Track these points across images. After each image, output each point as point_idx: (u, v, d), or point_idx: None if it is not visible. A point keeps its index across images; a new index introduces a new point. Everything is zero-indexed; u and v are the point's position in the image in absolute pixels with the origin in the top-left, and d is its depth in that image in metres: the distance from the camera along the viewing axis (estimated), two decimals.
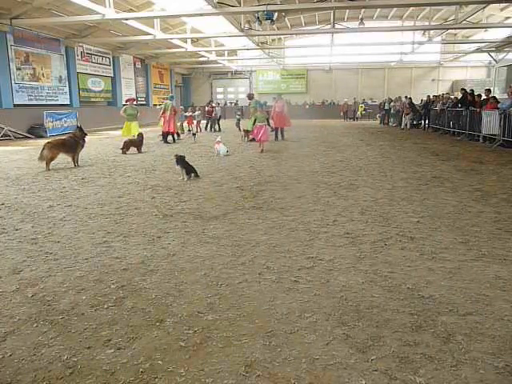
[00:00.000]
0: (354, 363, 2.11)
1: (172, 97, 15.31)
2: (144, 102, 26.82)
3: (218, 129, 19.37)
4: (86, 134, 9.08)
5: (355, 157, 10.00)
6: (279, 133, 14.62)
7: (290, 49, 31.51)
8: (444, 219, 4.65)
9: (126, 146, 11.08)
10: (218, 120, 19.62)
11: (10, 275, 3.22)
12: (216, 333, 2.40)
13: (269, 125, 11.40)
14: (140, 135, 11.63)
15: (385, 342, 2.28)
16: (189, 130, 14.97)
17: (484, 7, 16.80)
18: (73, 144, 8.80)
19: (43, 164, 8.30)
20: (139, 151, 11.28)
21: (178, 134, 15.05)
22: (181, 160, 7.28)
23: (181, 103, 28.67)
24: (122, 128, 14.24)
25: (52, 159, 8.38)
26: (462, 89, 15.93)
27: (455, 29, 22.64)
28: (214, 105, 20.22)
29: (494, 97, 13.95)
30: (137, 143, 11.38)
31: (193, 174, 7.33)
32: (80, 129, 9.25)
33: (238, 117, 18.43)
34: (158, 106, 23.15)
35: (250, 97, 15.28)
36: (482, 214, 4.83)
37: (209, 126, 19.46)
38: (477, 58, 30.16)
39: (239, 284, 3.04)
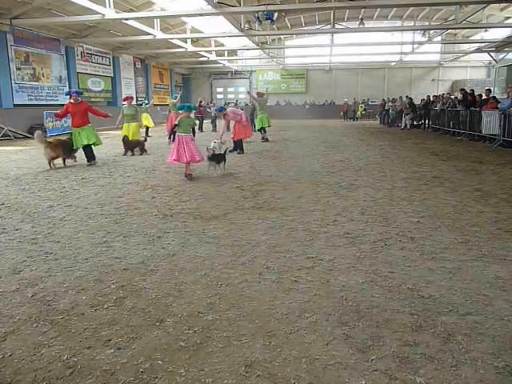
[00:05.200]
0: (354, 363, 2.11)
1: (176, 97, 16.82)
2: None
3: (214, 129, 19.43)
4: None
5: (355, 157, 10.00)
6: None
7: (290, 49, 31.53)
8: (444, 219, 4.65)
9: (128, 146, 10.99)
10: (214, 120, 19.77)
11: (10, 275, 3.22)
12: (216, 333, 2.40)
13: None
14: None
15: (385, 342, 2.28)
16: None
17: (484, 7, 16.77)
18: (71, 146, 8.92)
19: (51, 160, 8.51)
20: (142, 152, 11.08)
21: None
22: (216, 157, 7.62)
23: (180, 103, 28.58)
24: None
25: (53, 158, 8.56)
26: (462, 89, 15.91)
27: (455, 29, 22.63)
28: (203, 104, 20.76)
29: (494, 97, 13.94)
30: (141, 144, 11.26)
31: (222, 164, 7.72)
32: None
33: (213, 115, 19.76)
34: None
35: (260, 95, 14.44)
36: (482, 214, 4.83)
37: (204, 125, 19.59)
38: (477, 58, 30.13)
39: (239, 284, 3.04)
